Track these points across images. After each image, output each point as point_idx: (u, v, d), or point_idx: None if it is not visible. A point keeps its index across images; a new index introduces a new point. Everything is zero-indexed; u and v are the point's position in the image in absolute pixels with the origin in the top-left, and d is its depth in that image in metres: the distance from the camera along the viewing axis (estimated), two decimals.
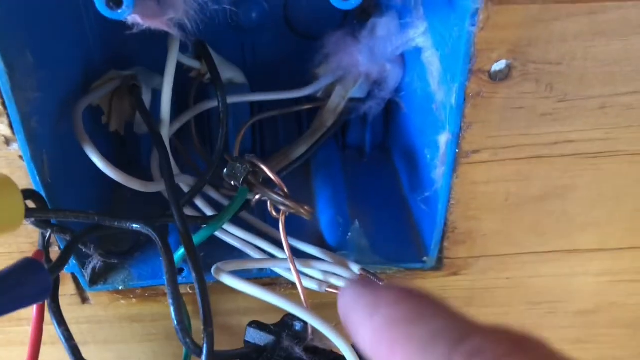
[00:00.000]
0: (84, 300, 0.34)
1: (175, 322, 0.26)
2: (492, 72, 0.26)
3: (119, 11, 0.23)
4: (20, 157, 0.27)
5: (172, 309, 0.25)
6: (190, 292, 0.34)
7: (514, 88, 0.26)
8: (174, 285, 0.26)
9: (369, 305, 0.14)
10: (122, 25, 0.35)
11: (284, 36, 0.40)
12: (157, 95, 0.36)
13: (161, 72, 0.36)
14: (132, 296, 0.34)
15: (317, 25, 0.39)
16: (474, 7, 0.24)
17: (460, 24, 0.25)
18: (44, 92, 0.28)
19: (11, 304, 0.22)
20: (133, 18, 0.24)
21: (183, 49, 0.33)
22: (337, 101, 0.37)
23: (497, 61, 0.25)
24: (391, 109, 0.39)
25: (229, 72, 0.38)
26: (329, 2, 0.27)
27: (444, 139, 0.28)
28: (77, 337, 0.29)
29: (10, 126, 0.26)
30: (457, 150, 0.28)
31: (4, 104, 0.25)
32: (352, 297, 0.15)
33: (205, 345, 0.27)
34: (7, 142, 0.27)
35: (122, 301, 0.34)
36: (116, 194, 0.36)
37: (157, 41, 0.30)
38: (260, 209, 0.33)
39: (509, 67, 0.26)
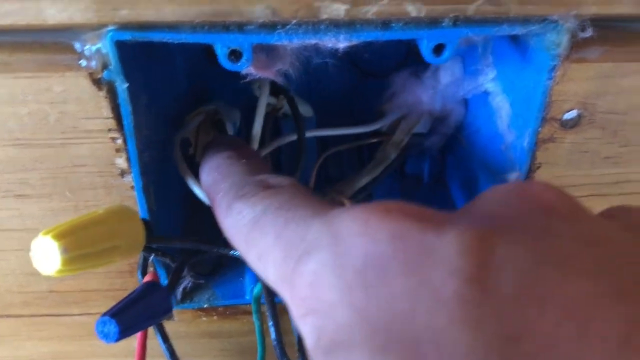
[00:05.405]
0: (169, 317, 0.37)
1: (275, 342, 0.28)
2: (564, 120, 0.28)
3: (239, 64, 0.26)
4: (132, 187, 0.30)
5: (272, 329, 0.28)
6: None
7: (581, 134, 0.29)
8: (273, 306, 0.28)
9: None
10: (204, 63, 0.38)
11: (348, 73, 0.43)
12: (234, 128, 0.39)
13: (237, 105, 0.39)
14: (214, 314, 0.37)
15: (380, 63, 0.43)
16: (552, 63, 0.26)
17: (537, 77, 0.28)
18: (153, 129, 0.31)
19: (143, 323, 0.25)
20: (248, 69, 0.27)
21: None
22: (401, 136, 0.40)
23: (568, 111, 0.28)
24: (448, 141, 0.42)
25: (299, 107, 0.40)
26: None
27: (513, 177, 0.31)
28: (157, 350, 0.32)
29: (128, 160, 0.29)
30: None
31: (124, 141, 0.28)
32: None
33: None
34: (122, 174, 0.30)
35: (204, 318, 0.37)
36: (194, 219, 0.39)
37: (231, 77, 0.33)
38: None
39: (579, 116, 0.28)
